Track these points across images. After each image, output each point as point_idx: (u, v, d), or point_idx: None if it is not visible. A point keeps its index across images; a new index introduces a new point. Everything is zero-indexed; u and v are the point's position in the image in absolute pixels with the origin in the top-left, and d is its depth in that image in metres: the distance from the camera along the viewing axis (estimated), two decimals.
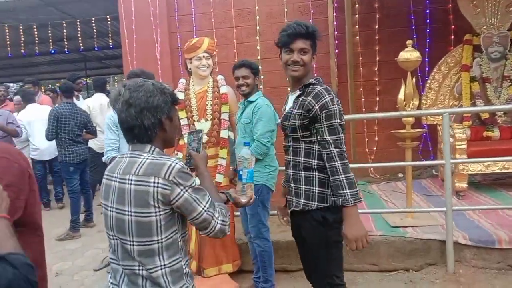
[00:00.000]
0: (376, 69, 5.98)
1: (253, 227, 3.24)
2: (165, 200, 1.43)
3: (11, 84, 19.79)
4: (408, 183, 3.97)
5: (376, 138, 6.00)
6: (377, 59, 5.92)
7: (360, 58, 6.03)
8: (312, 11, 6.08)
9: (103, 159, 3.42)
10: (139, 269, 1.46)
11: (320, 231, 2.13)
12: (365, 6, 5.96)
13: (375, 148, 6.05)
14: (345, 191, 1.98)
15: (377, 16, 5.93)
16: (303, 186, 2.16)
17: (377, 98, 5.94)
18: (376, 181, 5.80)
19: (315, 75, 2.36)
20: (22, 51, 10.51)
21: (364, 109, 6.00)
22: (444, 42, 5.72)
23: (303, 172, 2.16)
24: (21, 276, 1.02)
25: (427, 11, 5.83)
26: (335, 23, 5.79)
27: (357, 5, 5.96)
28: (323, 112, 2.04)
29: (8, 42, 10.18)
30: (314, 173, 2.12)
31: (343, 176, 1.99)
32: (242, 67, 3.13)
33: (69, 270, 4.09)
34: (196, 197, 1.48)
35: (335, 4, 5.82)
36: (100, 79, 6.33)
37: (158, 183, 1.41)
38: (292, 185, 2.22)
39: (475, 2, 5.04)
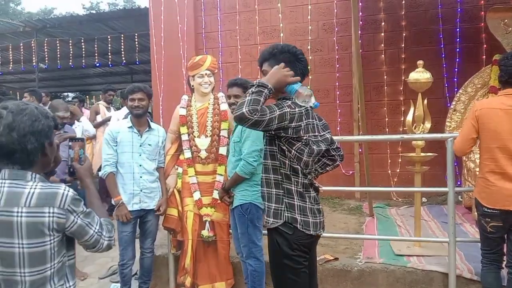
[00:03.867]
0: (401, 88, 5.79)
1: (244, 247, 3.21)
2: (59, 228, 1.46)
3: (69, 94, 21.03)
4: (417, 210, 3.80)
5: (399, 160, 5.78)
6: (403, 78, 5.71)
7: (385, 76, 5.87)
8: (336, 29, 6.02)
9: (100, 173, 3.50)
10: None
11: (275, 254, 2.20)
12: (392, 24, 5.83)
13: (398, 170, 5.83)
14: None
15: (404, 34, 5.77)
16: (265, 203, 2.25)
17: (401, 118, 5.72)
18: (397, 204, 5.57)
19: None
20: (70, 63, 11.18)
21: (387, 129, 5.82)
22: (475, 62, 5.45)
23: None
24: None
25: (458, 29, 5.59)
26: (359, 41, 5.67)
27: (383, 23, 5.84)
28: None
29: (59, 55, 10.88)
30: (271, 189, 2.19)
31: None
32: (234, 86, 3.14)
33: None
34: (87, 222, 1.52)
35: (361, 23, 5.73)
36: None
37: (53, 213, 1.44)
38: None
39: (506, 21, 4.78)
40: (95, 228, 1.54)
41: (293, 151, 2.10)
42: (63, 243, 1.51)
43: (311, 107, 2.12)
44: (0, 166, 1.50)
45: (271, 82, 2.05)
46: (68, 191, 1.48)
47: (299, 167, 2.13)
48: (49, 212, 1.43)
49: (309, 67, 2.27)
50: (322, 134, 2.20)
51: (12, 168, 1.48)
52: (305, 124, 2.10)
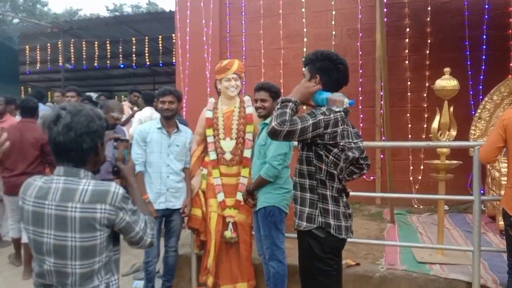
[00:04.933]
0: (425, 95, 5.76)
1: (267, 249, 3.25)
2: (109, 224, 1.54)
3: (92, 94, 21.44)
4: (440, 218, 3.77)
5: (422, 167, 5.74)
6: (427, 84, 5.68)
7: (409, 83, 5.85)
8: (360, 34, 6.02)
9: None
10: None
11: (306, 257, 2.22)
12: (417, 30, 5.80)
13: (420, 177, 5.79)
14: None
15: (429, 41, 5.74)
16: (298, 206, 2.27)
17: (425, 125, 5.70)
18: (419, 211, 5.53)
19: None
20: (96, 64, 11.45)
21: (410, 136, 5.80)
22: (501, 69, 5.38)
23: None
24: None
25: (484, 36, 5.53)
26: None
27: (407, 29, 5.82)
28: None
29: (84, 56, 11.14)
30: (306, 194, 2.22)
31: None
32: (261, 90, 3.19)
33: None
34: (134, 219, 1.59)
35: (386, 28, 5.71)
36: (149, 93, 6.61)
37: (105, 209, 1.51)
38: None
39: None
40: (141, 225, 1.61)
41: (330, 156, 2.12)
42: (110, 238, 1.58)
43: (346, 110, 2.16)
44: (58, 163, 1.58)
45: (295, 96, 2.12)
46: (119, 189, 1.55)
47: (335, 172, 2.15)
48: (101, 209, 1.50)
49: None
50: (355, 141, 2.22)
51: (67, 165, 1.56)
52: (341, 130, 2.12)
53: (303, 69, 2.34)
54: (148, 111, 6.23)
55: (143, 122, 6.10)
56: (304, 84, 2.19)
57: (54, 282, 1.55)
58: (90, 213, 1.50)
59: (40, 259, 1.56)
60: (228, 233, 3.55)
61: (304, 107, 2.43)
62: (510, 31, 5.34)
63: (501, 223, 4.23)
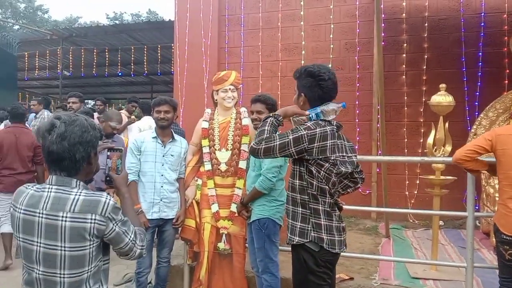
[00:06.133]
0: (421, 109, 5.78)
1: (260, 261, 3.22)
2: (99, 234, 1.53)
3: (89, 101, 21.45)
4: (434, 233, 3.77)
5: (418, 182, 5.74)
6: (424, 99, 5.71)
7: (406, 97, 5.87)
8: (358, 48, 6.07)
9: None
10: None
11: (299, 270, 2.21)
12: (414, 46, 5.85)
13: (416, 192, 5.78)
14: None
15: (426, 56, 5.78)
16: (290, 220, 2.27)
17: (421, 140, 5.70)
18: (414, 226, 5.52)
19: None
20: (94, 72, 11.47)
21: (406, 150, 5.81)
22: (497, 86, 5.42)
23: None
24: None
25: (480, 53, 5.59)
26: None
27: (405, 45, 5.87)
28: None
29: (83, 63, 11.17)
30: (298, 208, 2.22)
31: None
32: (257, 102, 3.20)
33: None
34: (124, 230, 1.58)
35: (383, 43, 5.77)
36: (146, 103, 6.64)
37: (95, 219, 1.51)
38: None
39: None
40: (130, 237, 1.60)
41: (322, 172, 2.12)
42: (100, 248, 1.57)
43: (338, 124, 2.16)
44: (50, 172, 1.58)
45: (279, 112, 2.25)
46: (110, 199, 1.55)
47: (327, 187, 2.14)
48: (91, 219, 1.50)
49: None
50: (349, 155, 2.21)
51: (59, 174, 1.56)
52: (330, 144, 2.12)
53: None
54: (147, 120, 6.23)
55: (143, 131, 6.10)
56: (295, 107, 2.27)
57: None
58: (81, 223, 1.49)
59: (29, 267, 1.55)
60: (222, 245, 3.53)
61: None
62: (505, 49, 5.39)
63: (494, 240, 4.23)
